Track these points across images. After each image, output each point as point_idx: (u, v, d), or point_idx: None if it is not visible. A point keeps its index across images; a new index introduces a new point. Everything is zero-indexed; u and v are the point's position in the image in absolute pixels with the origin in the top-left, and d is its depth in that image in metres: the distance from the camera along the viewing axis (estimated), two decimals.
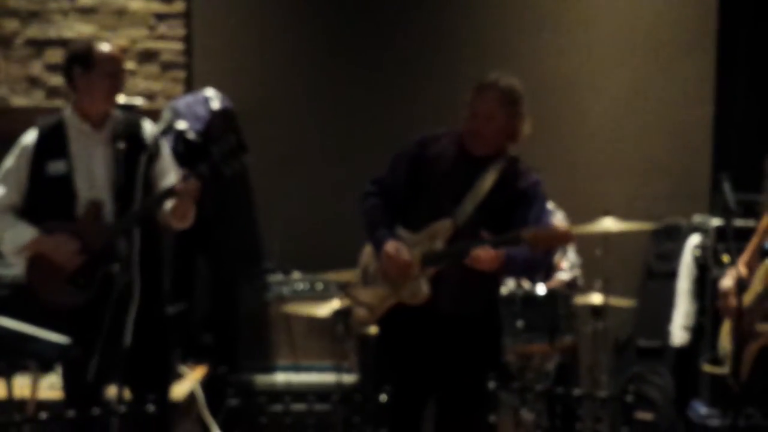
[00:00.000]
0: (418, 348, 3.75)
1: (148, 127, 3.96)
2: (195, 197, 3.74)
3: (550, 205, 5.25)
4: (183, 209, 3.82)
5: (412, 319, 3.72)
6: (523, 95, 3.73)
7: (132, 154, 3.75)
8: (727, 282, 4.06)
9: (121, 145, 3.72)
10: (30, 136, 3.85)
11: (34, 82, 6.17)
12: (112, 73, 3.80)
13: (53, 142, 3.81)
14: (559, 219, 5.32)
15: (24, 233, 3.78)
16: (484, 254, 3.48)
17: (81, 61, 3.79)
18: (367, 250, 3.92)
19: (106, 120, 3.84)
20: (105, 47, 3.82)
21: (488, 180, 3.68)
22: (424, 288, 3.66)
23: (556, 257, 5.27)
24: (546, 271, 5.20)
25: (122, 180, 3.71)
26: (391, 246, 3.68)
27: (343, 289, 4.87)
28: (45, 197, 3.80)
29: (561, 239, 3.53)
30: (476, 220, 3.64)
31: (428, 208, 3.75)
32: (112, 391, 3.90)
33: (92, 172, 3.79)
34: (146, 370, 3.79)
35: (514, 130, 3.72)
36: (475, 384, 3.71)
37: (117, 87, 3.82)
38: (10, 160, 3.86)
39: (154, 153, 3.84)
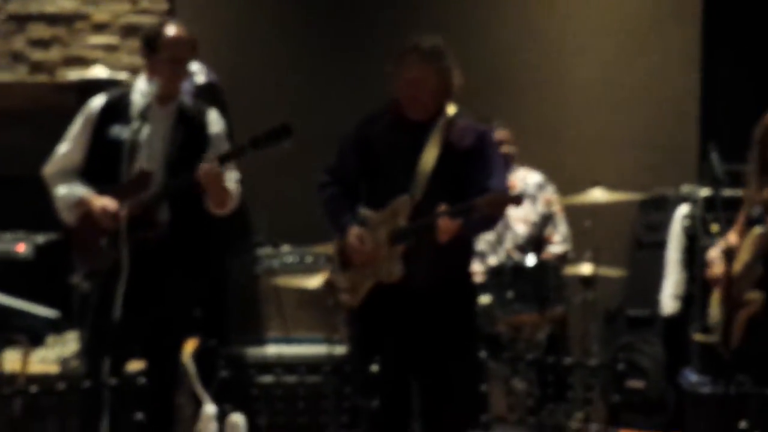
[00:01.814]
0: (395, 326, 3.74)
1: (214, 116, 4.00)
2: (219, 181, 3.75)
3: (539, 177, 5.28)
4: (213, 195, 3.83)
5: (388, 297, 3.71)
6: (446, 49, 3.72)
7: (191, 139, 3.85)
8: (713, 252, 4.08)
9: (180, 132, 3.83)
10: (98, 101, 3.91)
11: (16, 57, 6.11)
12: (174, 59, 3.82)
13: (119, 108, 3.86)
14: (549, 192, 5.31)
15: (76, 191, 3.83)
16: (444, 225, 3.50)
17: (148, 43, 3.85)
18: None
19: (172, 100, 3.88)
20: (172, 31, 3.84)
21: (432, 148, 3.68)
22: (397, 267, 3.66)
23: (547, 231, 5.26)
24: (537, 244, 5.21)
25: (177, 158, 3.79)
26: (352, 236, 3.71)
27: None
28: (102, 160, 3.84)
29: (511, 203, 3.55)
30: (433, 190, 3.65)
31: (385, 184, 3.75)
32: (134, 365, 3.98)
33: (151, 143, 3.82)
34: (166, 341, 3.95)
35: (447, 86, 3.72)
36: (456, 356, 3.72)
37: (179, 73, 3.86)
38: (77, 123, 3.92)
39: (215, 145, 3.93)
